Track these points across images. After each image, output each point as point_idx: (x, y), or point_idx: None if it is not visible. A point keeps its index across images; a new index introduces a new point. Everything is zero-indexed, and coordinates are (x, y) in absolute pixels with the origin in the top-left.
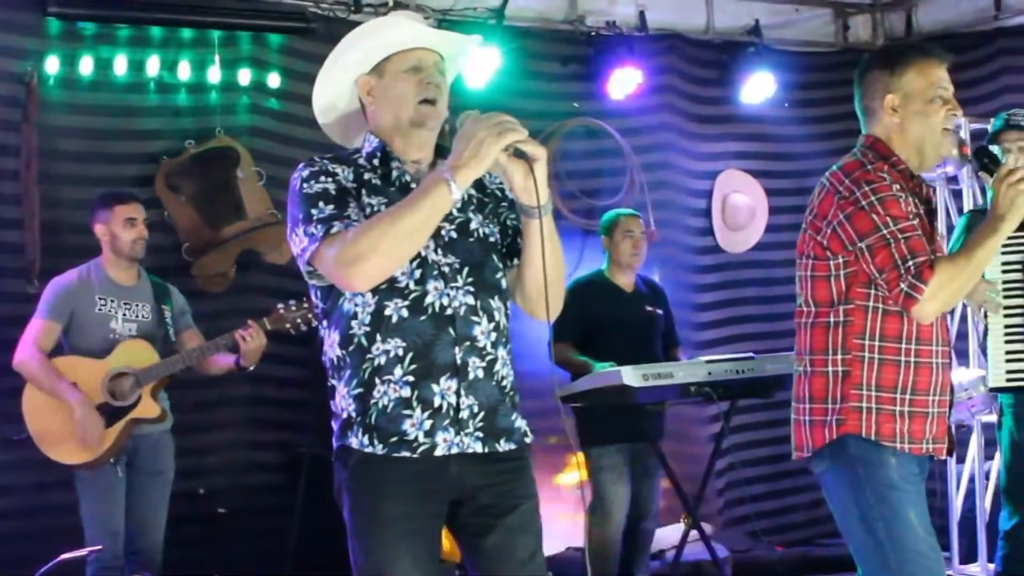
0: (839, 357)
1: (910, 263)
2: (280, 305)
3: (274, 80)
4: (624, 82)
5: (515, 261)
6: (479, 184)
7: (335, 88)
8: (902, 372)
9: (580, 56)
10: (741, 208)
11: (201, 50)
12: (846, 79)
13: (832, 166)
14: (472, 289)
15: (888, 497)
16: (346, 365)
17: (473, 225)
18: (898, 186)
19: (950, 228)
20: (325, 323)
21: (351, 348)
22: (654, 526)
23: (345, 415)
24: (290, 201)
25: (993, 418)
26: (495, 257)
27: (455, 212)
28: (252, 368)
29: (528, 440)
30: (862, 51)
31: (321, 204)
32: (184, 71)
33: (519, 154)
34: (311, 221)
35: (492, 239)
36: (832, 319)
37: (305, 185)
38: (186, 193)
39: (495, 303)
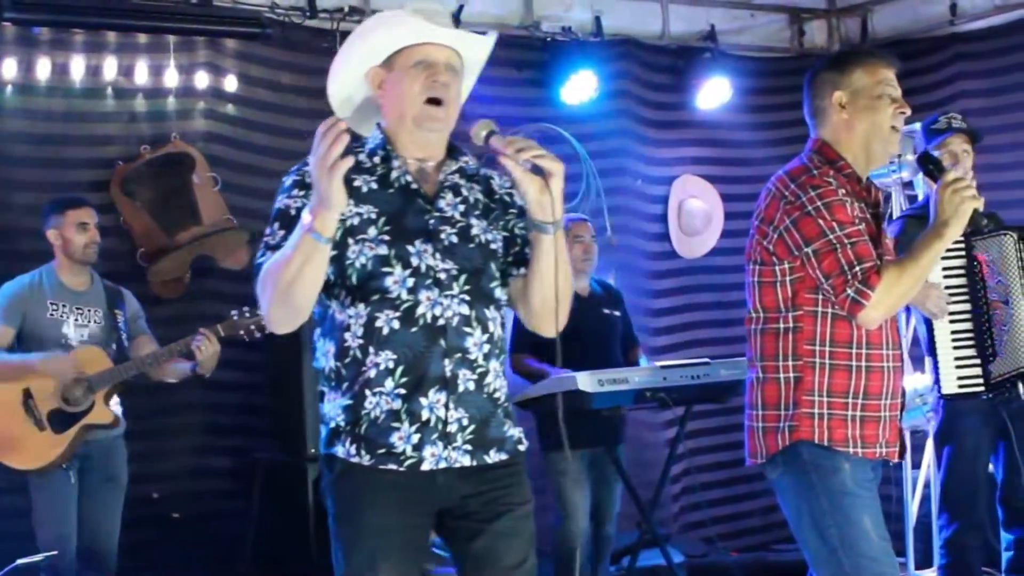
0: (790, 363)
1: (856, 269)
2: (234, 312)
3: (230, 85)
4: (580, 87)
5: (521, 270)
6: (487, 189)
7: (350, 79)
8: (853, 377)
9: (536, 61)
10: (697, 214)
11: (156, 55)
12: (802, 84)
13: (779, 171)
14: (468, 298)
15: (842, 503)
16: (341, 377)
17: (475, 231)
18: (844, 191)
19: None
20: (318, 331)
21: (347, 360)
22: (614, 531)
23: (334, 424)
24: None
25: None
26: (493, 266)
27: (458, 216)
28: (209, 375)
29: (522, 448)
30: (818, 56)
31: (276, 226)
32: (139, 76)
33: (536, 170)
34: (263, 241)
35: (493, 246)
36: (782, 325)
37: (280, 195)
38: (141, 198)
39: (490, 313)
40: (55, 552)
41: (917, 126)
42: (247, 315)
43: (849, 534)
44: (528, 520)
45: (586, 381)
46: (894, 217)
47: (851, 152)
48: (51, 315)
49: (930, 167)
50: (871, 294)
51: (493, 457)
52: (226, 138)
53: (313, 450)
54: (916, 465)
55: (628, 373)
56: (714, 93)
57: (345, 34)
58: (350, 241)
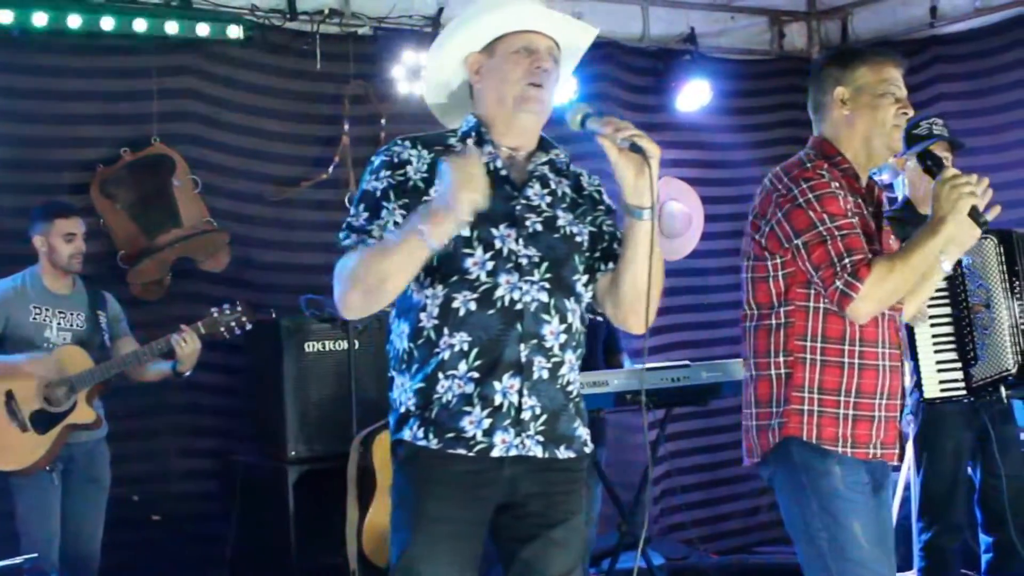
0: (781, 359)
1: (846, 260)
2: (214, 309)
3: (210, 87)
4: (560, 90)
5: (609, 266)
6: (576, 185)
7: (449, 63)
8: (845, 374)
9: None
10: (677, 216)
11: (137, 57)
12: (782, 87)
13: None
14: (548, 286)
15: (831, 506)
16: (413, 359)
17: (560, 222)
18: (837, 184)
19: None
20: (393, 312)
21: (420, 342)
22: (594, 534)
23: (404, 409)
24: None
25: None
26: (577, 258)
27: (544, 206)
28: (188, 373)
29: (587, 450)
30: (798, 59)
31: (361, 207)
32: (120, 78)
33: (636, 148)
34: (346, 220)
35: (579, 239)
36: (774, 321)
37: (370, 175)
38: (122, 201)
39: (570, 304)
40: (36, 554)
41: None
42: (227, 312)
43: (838, 537)
44: (579, 532)
45: None
46: None
47: (851, 149)
48: (34, 319)
49: (929, 163)
50: (860, 287)
51: (563, 453)
52: (206, 140)
53: (293, 452)
54: (895, 468)
55: (608, 376)
56: (694, 95)
57: (325, 36)
58: None
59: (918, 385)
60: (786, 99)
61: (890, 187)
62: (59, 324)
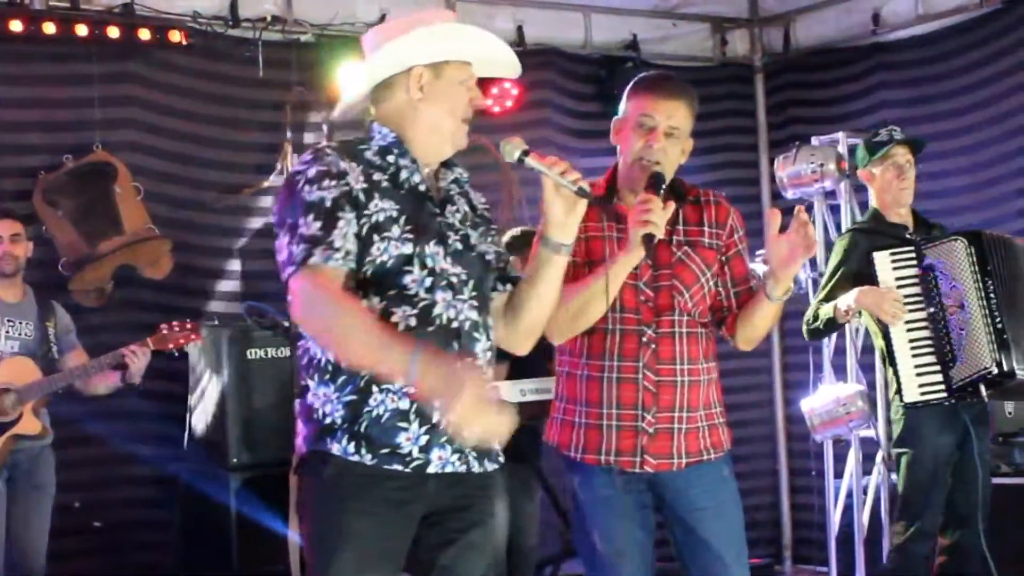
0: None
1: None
2: (163, 325)
3: (153, 94)
4: (502, 96)
5: (507, 287)
6: (471, 203)
7: (393, 64)
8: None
9: None
10: None
11: (79, 64)
12: (724, 94)
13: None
14: (476, 304)
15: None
16: (340, 371)
17: (473, 240)
18: None
19: (828, 244)
20: None
21: None
22: (535, 542)
23: (328, 420)
24: (283, 194)
25: (871, 433)
26: (489, 276)
27: (458, 224)
28: (139, 385)
29: (501, 460)
30: (740, 66)
31: (310, 217)
32: (62, 85)
33: (582, 193)
34: (295, 234)
35: (488, 257)
36: None
37: (307, 188)
38: (64, 208)
39: (490, 321)
40: None
41: (841, 136)
42: (176, 329)
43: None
44: (496, 535)
45: (509, 391)
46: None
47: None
48: None
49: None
50: None
51: (489, 467)
52: (149, 147)
53: (236, 460)
54: (839, 475)
55: (551, 383)
56: None
57: (267, 43)
58: (375, 238)
59: (898, 391)
60: (728, 106)
61: (832, 194)
62: (7, 333)
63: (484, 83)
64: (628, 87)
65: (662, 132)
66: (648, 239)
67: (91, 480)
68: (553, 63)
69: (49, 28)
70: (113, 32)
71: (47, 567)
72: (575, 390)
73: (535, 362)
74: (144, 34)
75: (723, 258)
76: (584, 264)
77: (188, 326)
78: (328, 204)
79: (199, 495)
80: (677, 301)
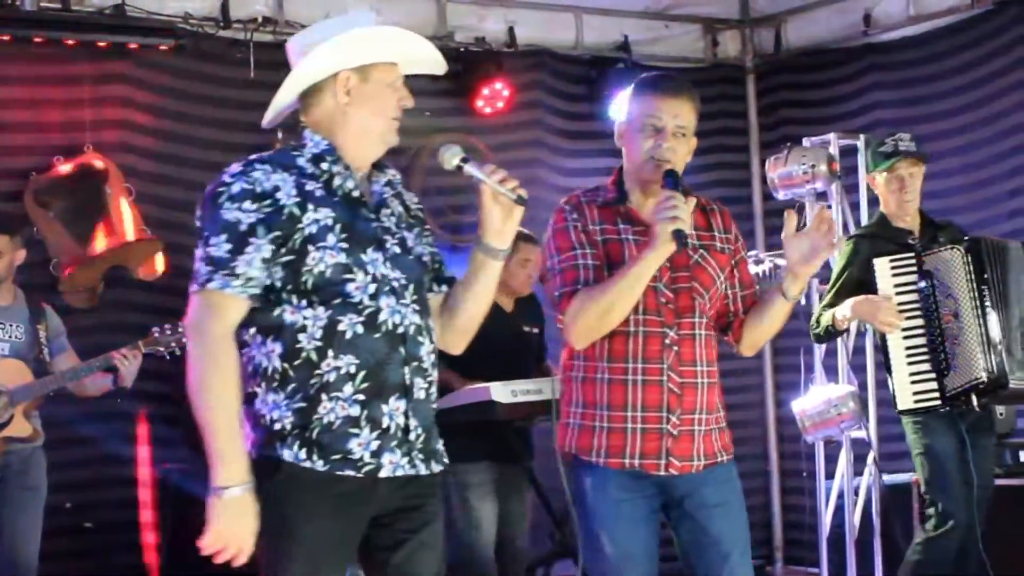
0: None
1: (556, 294)
2: (155, 328)
3: (144, 95)
4: (493, 98)
5: (442, 288)
6: (404, 204)
7: (323, 68)
8: (598, 389)
9: (449, 71)
10: None
11: (71, 65)
12: (715, 95)
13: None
14: (418, 308)
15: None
16: (288, 379)
17: (410, 243)
18: (575, 216)
19: None
20: (253, 330)
21: (297, 363)
22: (525, 543)
23: (278, 426)
24: (206, 203)
25: (862, 434)
26: (426, 278)
27: (394, 227)
28: (130, 387)
29: (446, 461)
30: (732, 67)
31: (223, 237)
32: (53, 86)
33: (521, 201)
34: (205, 251)
35: (425, 259)
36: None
37: (227, 204)
38: (55, 209)
39: (432, 323)
40: None
41: (832, 137)
42: (168, 332)
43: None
44: (441, 534)
45: (500, 391)
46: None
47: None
48: None
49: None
50: (563, 318)
51: (435, 468)
52: (140, 148)
53: None
54: (830, 476)
55: (542, 384)
56: None
57: (259, 45)
58: (310, 248)
59: (892, 398)
60: (720, 107)
61: (824, 195)
62: None
63: (473, 84)
64: (631, 89)
65: (670, 132)
66: (679, 234)
67: (82, 481)
68: (544, 64)
69: (39, 29)
70: (105, 32)
71: (39, 568)
72: (593, 394)
73: (527, 363)
74: (135, 36)
75: (732, 262)
76: (604, 267)
77: (180, 329)
78: (243, 228)
79: (189, 496)
80: (697, 303)
